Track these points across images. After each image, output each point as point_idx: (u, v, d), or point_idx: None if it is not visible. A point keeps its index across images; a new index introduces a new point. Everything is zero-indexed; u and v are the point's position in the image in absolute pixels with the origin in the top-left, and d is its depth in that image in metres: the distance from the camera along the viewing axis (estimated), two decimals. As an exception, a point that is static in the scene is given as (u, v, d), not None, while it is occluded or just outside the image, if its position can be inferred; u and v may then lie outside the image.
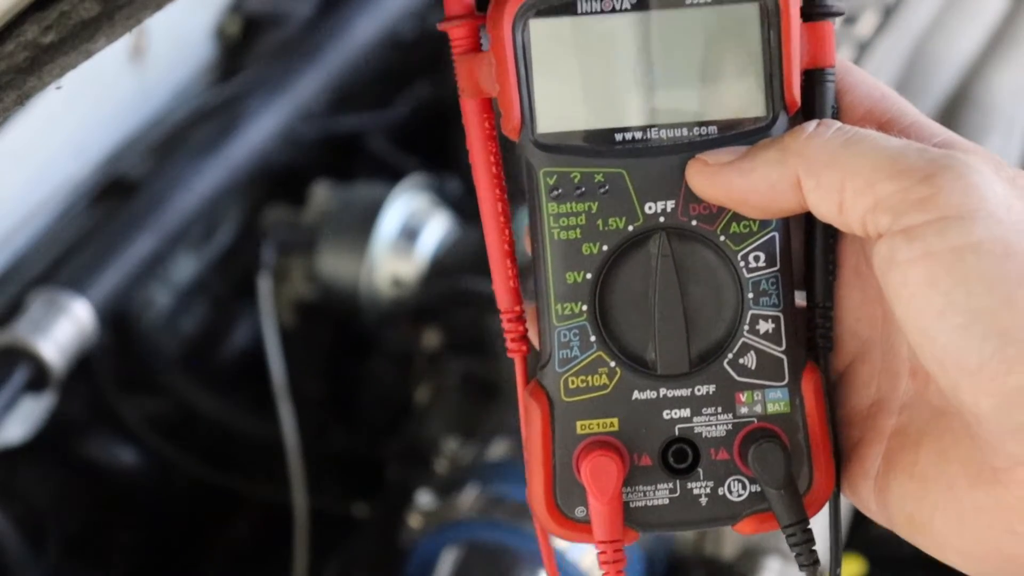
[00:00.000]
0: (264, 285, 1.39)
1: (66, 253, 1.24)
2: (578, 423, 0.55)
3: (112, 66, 1.36)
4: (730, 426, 0.55)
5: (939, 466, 0.52)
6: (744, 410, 0.55)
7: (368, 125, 1.53)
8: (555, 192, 0.54)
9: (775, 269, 0.54)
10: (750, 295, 0.54)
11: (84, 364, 1.21)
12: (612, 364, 0.55)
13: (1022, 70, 1.39)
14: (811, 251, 0.55)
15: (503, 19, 0.53)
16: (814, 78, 0.54)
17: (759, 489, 0.55)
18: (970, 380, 0.48)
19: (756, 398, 0.55)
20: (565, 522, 0.55)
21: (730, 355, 0.55)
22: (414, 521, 1.15)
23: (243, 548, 1.38)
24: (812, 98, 0.54)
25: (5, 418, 1.12)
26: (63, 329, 1.16)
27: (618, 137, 0.54)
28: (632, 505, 0.55)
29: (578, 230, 0.54)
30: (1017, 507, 0.49)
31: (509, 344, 0.56)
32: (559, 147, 0.54)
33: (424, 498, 1.15)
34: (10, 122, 1.21)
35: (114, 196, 1.33)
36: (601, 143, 0.54)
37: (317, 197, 1.42)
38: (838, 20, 0.55)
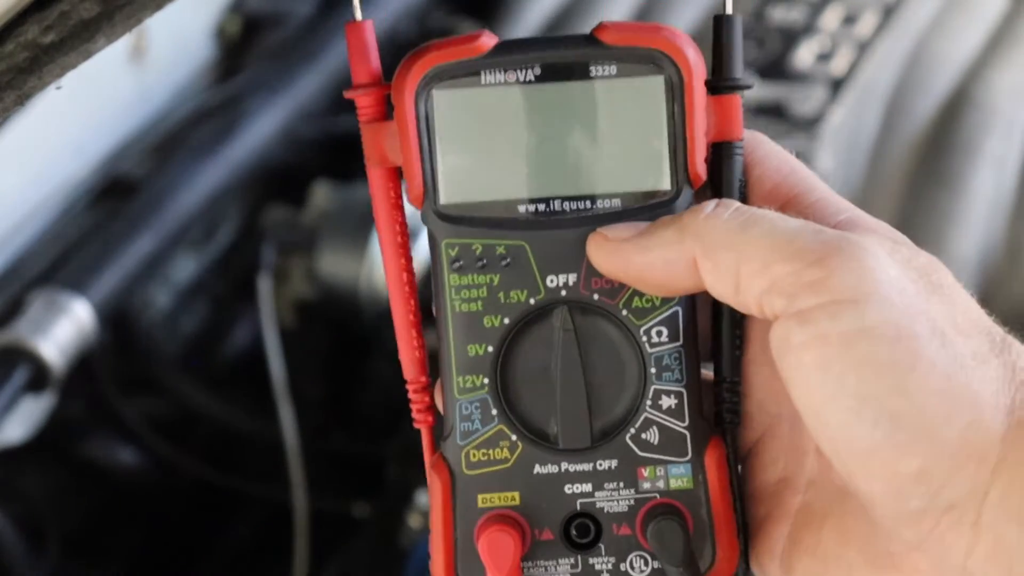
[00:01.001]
0: (264, 285, 1.39)
1: (66, 253, 1.24)
2: (479, 496, 0.54)
3: (112, 66, 1.36)
4: (632, 501, 0.54)
5: (839, 548, 0.51)
6: (647, 485, 0.54)
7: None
8: (457, 264, 0.54)
9: (678, 344, 0.54)
10: (653, 370, 0.54)
11: (84, 364, 1.21)
12: (514, 438, 0.54)
13: (1022, 70, 1.39)
14: (718, 326, 0.55)
15: (406, 88, 0.53)
16: (721, 151, 0.54)
17: (661, 565, 0.54)
18: (862, 465, 0.48)
19: (659, 473, 0.54)
20: None
21: (632, 430, 0.54)
22: (414, 521, 1.15)
23: (243, 548, 1.38)
24: (719, 172, 0.54)
25: (5, 418, 1.12)
26: (63, 329, 1.15)
27: (520, 209, 0.54)
28: None
29: (480, 302, 0.54)
30: None
31: (415, 415, 0.56)
32: (461, 218, 0.54)
33: (424, 498, 1.15)
34: (10, 122, 1.21)
35: (114, 196, 1.33)
36: (503, 215, 0.54)
37: (317, 197, 1.42)
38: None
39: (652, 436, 0.54)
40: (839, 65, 1.37)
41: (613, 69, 0.53)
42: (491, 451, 0.54)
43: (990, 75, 1.38)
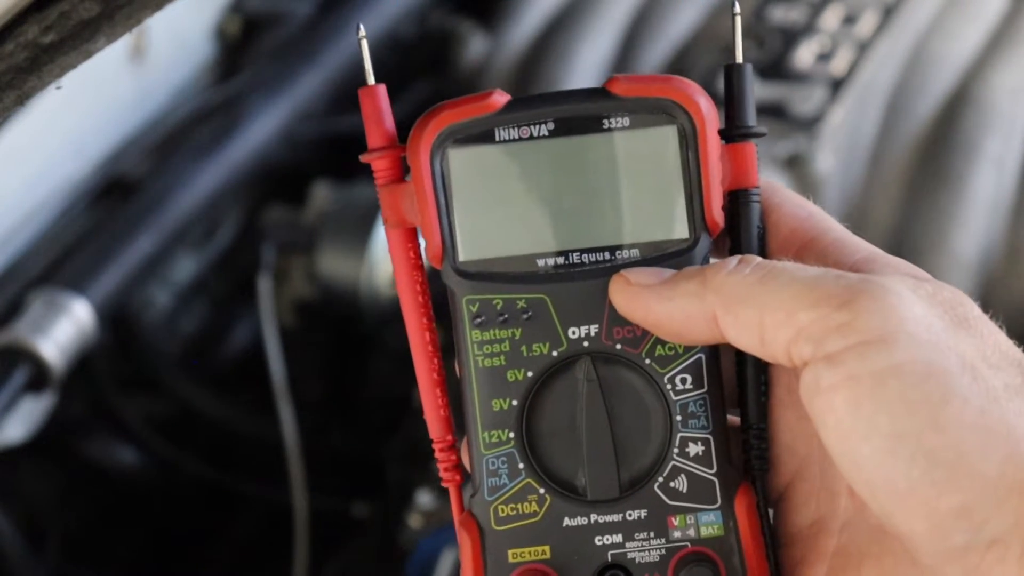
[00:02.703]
0: (264, 285, 1.39)
1: (66, 253, 1.24)
2: (510, 552, 0.54)
3: (112, 66, 1.36)
4: (663, 551, 0.54)
5: None
6: (677, 534, 0.54)
7: (368, 125, 1.53)
8: (478, 320, 0.54)
9: (703, 391, 0.54)
10: (678, 417, 0.54)
11: (84, 364, 1.21)
12: (541, 491, 0.54)
13: (1022, 70, 1.39)
14: (742, 372, 0.55)
15: (421, 149, 0.54)
16: (738, 199, 0.54)
17: None
18: (901, 504, 0.48)
19: (689, 521, 0.54)
20: None
21: (660, 479, 0.54)
22: (414, 521, 1.15)
23: (243, 548, 1.38)
24: (737, 219, 0.54)
25: (5, 418, 1.12)
26: (63, 329, 1.15)
27: (540, 263, 0.54)
28: None
29: (502, 357, 0.54)
30: None
31: (442, 474, 0.56)
32: (481, 274, 0.54)
33: (424, 498, 1.15)
34: (10, 122, 1.21)
35: (114, 196, 1.33)
36: (523, 269, 0.54)
37: (317, 197, 1.42)
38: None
39: (681, 484, 0.54)
40: (839, 65, 1.37)
41: (626, 121, 0.54)
42: (519, 505, 0.54)
43: (990, 75, 1.38)
